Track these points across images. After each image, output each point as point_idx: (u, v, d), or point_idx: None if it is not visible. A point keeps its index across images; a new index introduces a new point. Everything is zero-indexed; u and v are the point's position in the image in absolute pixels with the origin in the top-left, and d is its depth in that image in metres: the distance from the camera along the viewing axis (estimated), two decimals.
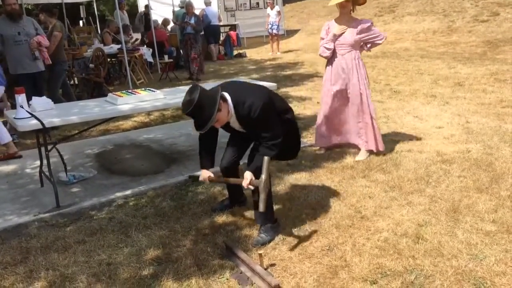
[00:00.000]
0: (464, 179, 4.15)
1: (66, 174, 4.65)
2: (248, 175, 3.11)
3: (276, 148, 3.15)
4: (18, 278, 3.01)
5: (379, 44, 4.80)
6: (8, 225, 3.79)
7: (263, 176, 3.01)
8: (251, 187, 3.10)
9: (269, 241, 3.28)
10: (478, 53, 11.75)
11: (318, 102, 7.59)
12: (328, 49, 4.70)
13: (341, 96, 4.80)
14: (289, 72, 11.12)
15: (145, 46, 12.65)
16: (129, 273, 3.00)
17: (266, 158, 3.03)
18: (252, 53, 15.77)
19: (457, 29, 14.70)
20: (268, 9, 15.09)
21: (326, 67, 4.89)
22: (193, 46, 10.88)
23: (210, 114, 2.97)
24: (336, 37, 4.64)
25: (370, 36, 4.66)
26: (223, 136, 3.53)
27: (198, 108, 2.95)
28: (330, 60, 4.79)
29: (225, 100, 3.08)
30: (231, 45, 15.55)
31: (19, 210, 4.06)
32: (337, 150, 5.12)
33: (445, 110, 6.56)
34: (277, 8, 15.04)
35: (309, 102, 7.72)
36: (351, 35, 4.61)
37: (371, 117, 4.73)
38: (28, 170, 5.10)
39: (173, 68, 11.90)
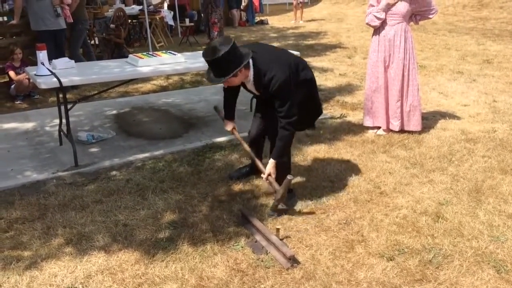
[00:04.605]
0: (489, 159, 4.04)
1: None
2: (269, 167, 3.13)
3: (291, 127, 3.08)
4: (36, 234, 3.05)
5: (430, 18, 4.58)
6: (26, 181, 3.83)
7: (281, 191, 3.06)
8: (268, 182, 3.15)
9: (285, 212, 3.25)
10: (509, 30, 11.32)
11: (340, 74, 7.46)
12: (378, 18, 4.42)
13: (388, 69, 4.53)
14: (311, 41, 10.89)
15: (166, 8, 12.48)
16: (145, 235, 3.01)
17: (288, 178, 3.02)
18: (274, 21, 15.47)
19: (488, 4, 14.16)
20: None
21: (372, 36, 4.63)
22: (213, 10, 10.66)
23: (223, 74, 2.89)
24: (389, 7, 4.38)
25: (424, 8, 4.44)
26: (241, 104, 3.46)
27: (217, 63, 2.87)
28: (377, 30, 4.52)
29: (248, 67, 3.00)
30: (253, 11, 15.25)
31: (38, 167, 4.09)
32: (357, 124, 5.02)
33: (471, 87, 6.36)
34: None
35: (331, 73, 7.56)
36: (404, 5, 4.36)
37: (414, 95, 4.54)
38: (47, 128, 5.12)
39: (194, 32, 11.73)
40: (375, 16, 4.45)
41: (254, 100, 4.03)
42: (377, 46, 4.55)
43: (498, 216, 3.15)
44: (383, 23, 4.47)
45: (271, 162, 3.14)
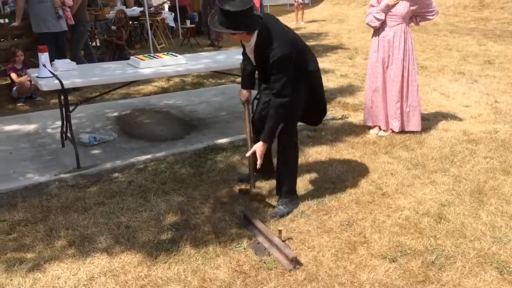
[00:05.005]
0: (491, 160, 4.04)
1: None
2: (257, 145, 3.14)
3: (283, 109, 3.01)
4: (39, 236, 3.05)
5: (430, 19, 4.58)
6: (29, 183, 3.83)
7: (253, 192, 3.37)
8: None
9: (288, 214, 3.25)
10: (510, 31, 11.31)
11: (341, 75, 7.46)
12: (378, 19, 4.42)
13: (387, 70, 4.53)
14: (312, 42, 10.88)
15: (167, 10, 12.49)
16: (148, 237, 3.01)
17: (264, 193, 3.34)
18: None
19: (489, 4, 14.14)
20: None
21: (372, 37, 4.64)
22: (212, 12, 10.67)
23: (224, 26, 2.89)
24: (389, 8, 4.38)
25: (424, 10, 4.44)
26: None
27: (226, 14, 2.85)
28: (377, 30, 4.53)
29: (251, 34, 2.97)
30: None
31: (40, 169, 4.10)
32: (359, 125, 5.02)
33: (473, 88, 6.36)
34: None
35: (332, 74, 7.56)
36: (404, 6, 4.35)
37: (414, 96, 4.52)
38: (49, 130, 5.13)
39: (195, 34, 11.74)
40: (375, 17, 4.45)
41: (255, 102, 4.03)
42: (376, 47, 4.55)
43: (501, 217, 3.15)
44: (383, 24, 4.47)
45: (259, 143, 3.13)
